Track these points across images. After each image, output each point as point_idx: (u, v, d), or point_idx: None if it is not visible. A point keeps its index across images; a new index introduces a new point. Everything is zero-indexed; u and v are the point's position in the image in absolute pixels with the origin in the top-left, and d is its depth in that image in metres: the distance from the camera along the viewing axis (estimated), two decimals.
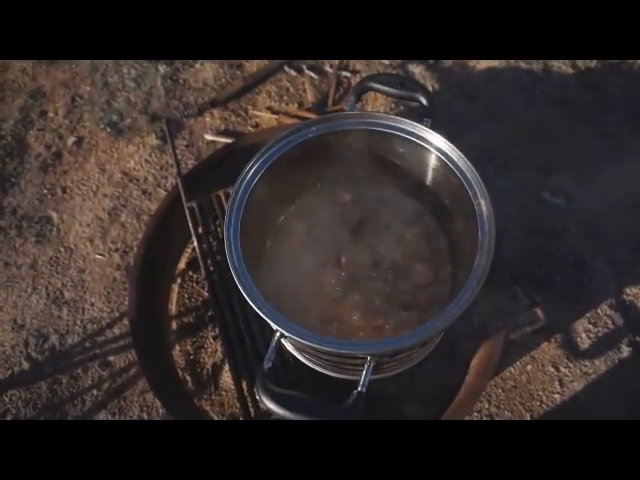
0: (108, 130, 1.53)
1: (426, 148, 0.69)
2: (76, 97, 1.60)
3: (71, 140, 1.53)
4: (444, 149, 0.68)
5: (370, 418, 0.58)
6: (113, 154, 1.50)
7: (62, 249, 1.38)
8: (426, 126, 0.69)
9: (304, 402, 0.54)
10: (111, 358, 1.24)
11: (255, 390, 0.55)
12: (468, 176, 0.64)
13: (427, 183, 0.75)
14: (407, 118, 0.72)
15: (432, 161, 0.72)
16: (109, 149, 1.51)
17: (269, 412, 0.95)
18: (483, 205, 0.62)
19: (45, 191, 1.46)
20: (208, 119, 1.53)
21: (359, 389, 0.56)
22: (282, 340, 0.62)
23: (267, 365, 0.58)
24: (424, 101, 0.70)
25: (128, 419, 1.17)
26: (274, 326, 0.58)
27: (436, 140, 0.69)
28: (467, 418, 1.12)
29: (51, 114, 1.58)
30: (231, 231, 0.62)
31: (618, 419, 1.12)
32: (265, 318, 0.59)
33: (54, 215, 1.43)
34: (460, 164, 0.65)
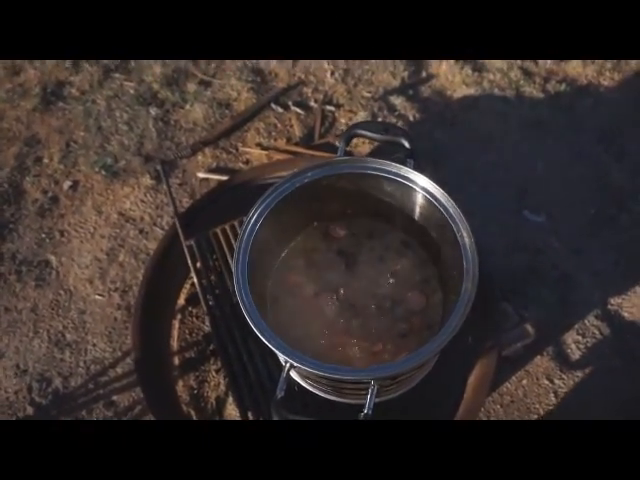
0: (103, 173, 1.58)
1: (411, 187, 0.76)
2: (70, 142, 1.65)
3: (67, 184, 1.57)
4: (428, 188, 0.74)
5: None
6: (109, 196, 1.54)
7: (62, 292, 1.40)
8: (409, 167, 0.76)
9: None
10: (115, 398, 1.25)
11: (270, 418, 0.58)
12: (451, 212, 0.71)
13: (414, 218, 0.82)
14: (392, 153, 0.79)
15: (417, 198, 0.78)
16: (105, 191, 1.55)
17: None
18: (465, 237, 0.69)
19: (43, 235, 1.49)
20: (200, 157, 1.59)
21: (365, 411, 0.60)
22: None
23: (280, 395, 0.62)
24: (406, 144, 0.77)
25: None
26: (285, 358, 0.63)
27: (420, 180, 0.75)
28: None
29: (46, 160, 1.62)
30: (239, 273, 0.67)
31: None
32: (276, 351, 0.63)
33: (53, 258, 1.45)
34: (443, 201, 0.72)
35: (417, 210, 0.79)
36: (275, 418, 0.58)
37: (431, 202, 0.73)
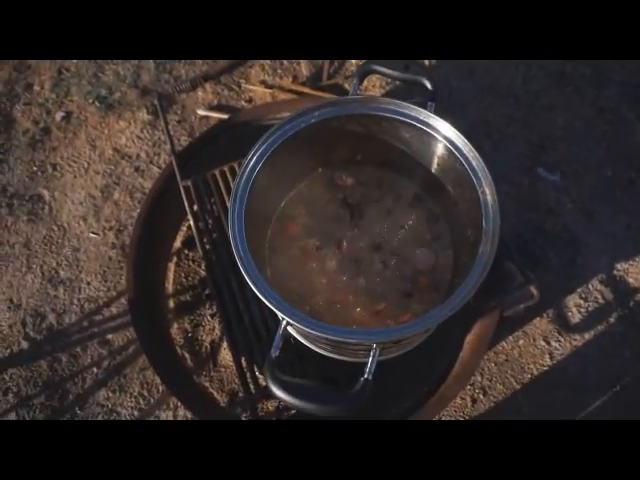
0: (97, 104, 1.49)
1: (430, 134, 0.68)
2: (62, 70, 1.55)
3: (59, 115, 1.49)
4: (449, 136, 0.67)
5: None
6: (103, 130, 1.47)
7: (55, 228, 1.36)
8: (430, 111, 0.68)
9: (312, 390, 0.55)
10: (110, 336, 1.25)
11: (264, 379, 0.56)
12: (473, 164, 0.64)
13: (431, 169, 0.75)
14: (409, 98, 0.71)
15: (437, 148, 0.71)
16: (99, 125, 1.47)
17: (269, 391, 0.98)
18: (488, 194, 0.62)
19: (35, 168, 1.43)
20: (200, 93, 1.49)
21: (365, 376, 0.57)
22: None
23: (275, 354, 0.58)
24: (428, 85, 0.69)
25: (129, 396, 1.20)
26: (281, 315, 0.59)
27: (441, 126, 0.68)
28: (461, 392, 1.16)
29: (37, 87, 1.53)
30: (235, 222, 0.62)
31: (604, 390, 1.17)
32: (273, 309, 0.59)
33: (45, 193, 1.40)
34: (465, 151, 0.65)
35: (435, 160, 0.72)
36: (268, 379, 0.55)
37: (452, 153, 0.65)
